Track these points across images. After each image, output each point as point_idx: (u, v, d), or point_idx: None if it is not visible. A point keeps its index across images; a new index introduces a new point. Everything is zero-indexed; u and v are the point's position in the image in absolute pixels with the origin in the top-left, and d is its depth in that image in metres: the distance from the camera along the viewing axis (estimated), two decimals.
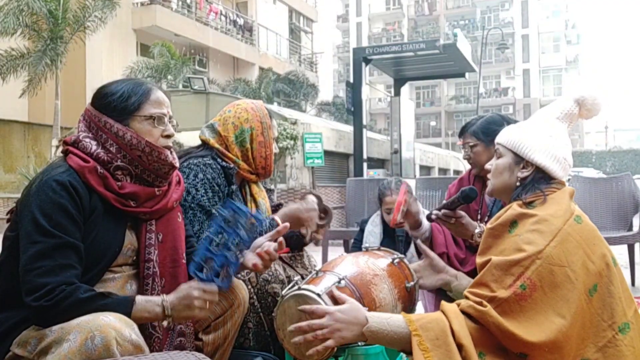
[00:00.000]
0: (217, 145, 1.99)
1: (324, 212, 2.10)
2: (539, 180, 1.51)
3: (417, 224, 2.17)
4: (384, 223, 2.51)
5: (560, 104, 1.60)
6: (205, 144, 2.02)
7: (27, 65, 11.09)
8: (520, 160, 1.54)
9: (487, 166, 1.66)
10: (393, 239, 2.39)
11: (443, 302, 1.44)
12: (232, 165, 1.97)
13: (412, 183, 5.02)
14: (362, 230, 2.61)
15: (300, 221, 1.96)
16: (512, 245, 1.41)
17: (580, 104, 1.58)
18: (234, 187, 1.96)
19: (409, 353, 1.34)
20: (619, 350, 1.36)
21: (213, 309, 1.57)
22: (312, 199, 2.03)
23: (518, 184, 1.54)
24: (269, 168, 2.06)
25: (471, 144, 2.21)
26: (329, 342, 1.41)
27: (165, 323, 1.44)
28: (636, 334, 1.39)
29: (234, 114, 2.03)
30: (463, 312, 1.38)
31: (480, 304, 1.36)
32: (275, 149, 2.09)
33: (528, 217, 1.44)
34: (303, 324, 1.44)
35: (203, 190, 1.87)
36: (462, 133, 2.29)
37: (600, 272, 1.40)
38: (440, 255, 2.17)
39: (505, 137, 1.60)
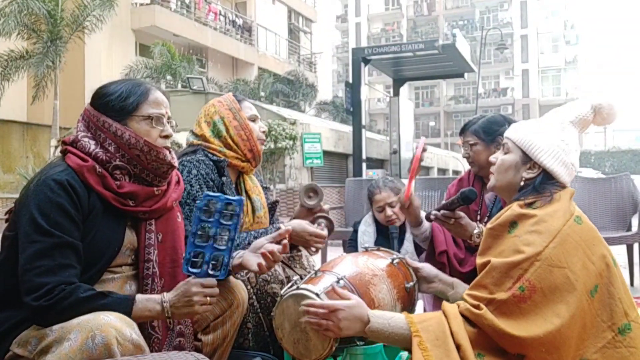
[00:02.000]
0: (199, 142, 2.05)
1: (314, 191, 2.11)
2: (544, 182, 1.50)
3: (418, 221, 2.16)
4: (377, 222, 2.53)
5: (576, 108, 1.57)
6: (191, 145, 2.08)
7: (27, 66, 11.07)
8: (528, 160, 1.52)
9: (492, 159, 1.63)
10: (387, 237, 2.40)
11: (444, 303, 1.44)
12: (222, 158, 2.01)
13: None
14: (355, 231, 2.63)
15: (303, 242, 1.97)
16: (511, 246, 1.41)
17: (597, 111, 1.55)
18: (224, 178, 1.98)
19: (410, 351, 1.35)
20: (619, 352, 1.36)
21: (212, 307, 1.56)
22: (324, 224, 2.04)
23: (522, 183, 1.53)
24: (255, 150, 2.07)
25: (471, 142, 2.21)
26: (329, 334, 1.44)
27: (168, 321, 1.44)
28: (638, 335, 1.39)
29: (204, 112, 2.10)
30: (460, 313, 1.39)
31: (477, 307, 1.36)
32: (262, 127, 2.11)
33: (528, 217, 1.43)
34: (317, 302, 1.44)
35: (198, 186, 1.91)
36: (463, 131, 2.28)
37: (601, 273, 1.39)
38: (441, 253, 2.17)
39: (516, 133, 1.57)
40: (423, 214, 2.18)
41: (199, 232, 1.44)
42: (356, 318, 1.41)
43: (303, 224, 1.96)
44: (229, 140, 2.04)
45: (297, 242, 1.98)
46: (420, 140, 2.10)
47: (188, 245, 1.45)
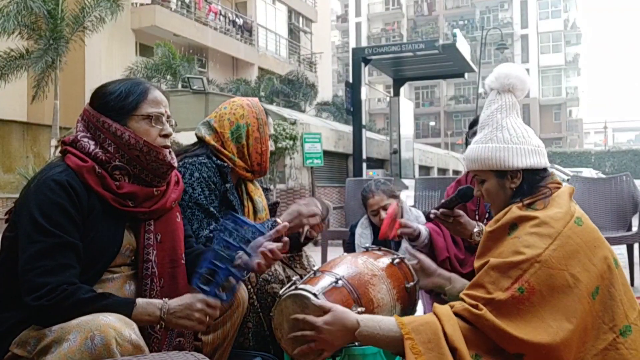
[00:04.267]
0: (212, 142, 2.02)
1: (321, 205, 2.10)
2: (533, 179, 1.49)
3: (414, 237, 2.17)
4: (373, 224, 2.54)
5: (494, 103, 1.57)
6: (201, 142, 2.04)
7: (27, 65, 11.06)
8: (504, 173, 1.51)
9: (477, 193, 1.62)
10: (384, 239, 2.41)
11: (435, 305, 1.43)
12: (226, 164, 1.99)
13: (411, 183, 5.02)
14: (352, 234, 2.64)
15: (302, 217, 1.95)
16: (510, 247, 1.40)
17: (512, 90, 1.57)
18: (228, 185, 1.97)
19: (404, 355, 1.34)
20: (620, 354, 1.35)
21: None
22: (313, 200, 2.04)
23: (512, 193, 1.52)
24: (264, 165, 2.08)
25: None
26: (324, 354, 1.45)
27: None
28: (638, 337, 1.38)
29: (230, 110, 2.06)
30: (457, 314, 1.37)
31: (476, 307, 1.35)
32: (271, 146, 2.11)
33: (528, 219, 1.42)
34: (298, 334, 1.46)
35: (200, 189, 1.89)
36: (474, 125, 2.24)
37: (602, 275, 1.38)
38: (443, 261, 2.15)
39: (477, 162, 1.55)
40: (420, 226, 2.18)
41: (221, 253, 1.45)
42: (340, 330, 1.40)
43: (291, 207, 1.96)
44: (245, 150, 2.03)
45: (296, 223, 1.95)
46: (391, 206, 2.12)
47: (205, 261, 1.45)
